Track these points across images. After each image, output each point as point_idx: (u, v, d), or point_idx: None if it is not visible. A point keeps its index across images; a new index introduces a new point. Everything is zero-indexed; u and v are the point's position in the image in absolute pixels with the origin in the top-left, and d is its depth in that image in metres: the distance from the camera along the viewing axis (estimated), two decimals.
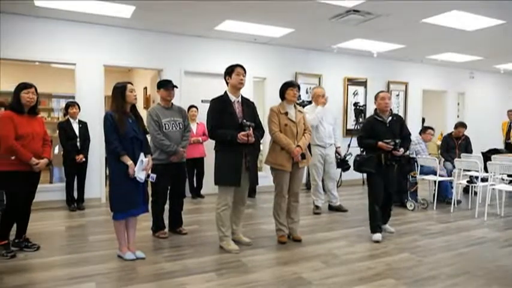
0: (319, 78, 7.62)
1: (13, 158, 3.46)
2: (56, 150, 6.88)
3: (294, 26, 6.02)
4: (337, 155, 5.54)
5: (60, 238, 4.22)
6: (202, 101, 6.29)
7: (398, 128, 4.14)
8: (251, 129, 3.58)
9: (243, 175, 3.64)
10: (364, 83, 8.20)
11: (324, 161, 5.30)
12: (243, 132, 3.52)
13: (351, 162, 5.88)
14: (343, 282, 3.04)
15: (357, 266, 3.38)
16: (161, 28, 6.13)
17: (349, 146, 7.19)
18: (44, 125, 3.85)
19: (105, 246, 3.84)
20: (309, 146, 4.60)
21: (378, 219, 4.11)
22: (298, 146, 3.88)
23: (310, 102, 6.88)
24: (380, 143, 3.97)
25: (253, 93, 6.80)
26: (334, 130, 5.45)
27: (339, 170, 5.63)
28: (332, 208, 5.50)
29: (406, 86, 8.76)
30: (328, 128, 5.28)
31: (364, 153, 4.18)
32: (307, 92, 7.34)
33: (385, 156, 4.01)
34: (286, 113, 3.95)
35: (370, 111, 8.11)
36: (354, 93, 8.09)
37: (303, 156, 3.93)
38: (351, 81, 8.04)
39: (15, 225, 3.69)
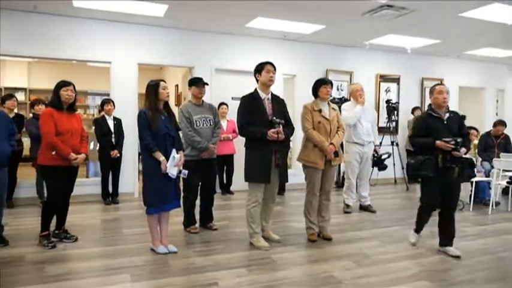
0: (351, 75, 7.50)
1: (54, 153, 3.61)
2: (92, 145, 7.13)
3: (325, 22, 5.95)
4: (374, 153, 5.44)
5: (96, 230, 4.38)
6: (232, 99, 6.34)
7: (456, 125, 3.60)
8: (281, 126, 3.57)
9: (273, 172, 3.65)
10: (397, 80, 8.00)
11: (360, 159, 5.20)
12: (272, 130, 3.52)
13: (387, 162, 5.82)
14: (375, 283, 2.98)
15: (389, 267, 3.31)
16: (192, 26, 6.21)
17: (380, 144, 7.03)
18: (81, 122, 4.00)
19: (139, 239, 3.94)
20: (341, 144, 4.53)
21: (423, 223, 3.80)
22: (331, 143, 3.84)
23: (340, 100, 6.82)
24: (438, 141, 3.45)
25: (283, 91, 6.77)
26: (373, 128, 5.33)
27: (368, 169, 5.49)
28: (362, 207, 5.41)
29: (441, 83, 8.44)
30: (366, 125, 5.16)
31: (415, 156, 3.65)
32: (338, 89, 7.24)
33: (443, 158, 3.47)
34: (320, 110, 3.91)
35: (402, 109, 7.95)
36: (386, 90, 7.91)
37: (336, 154, 3.89)
38: (383, 78, 7.87)
39: (55, 218, 3.85)
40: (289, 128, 3.76)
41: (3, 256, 3.43)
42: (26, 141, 6.44)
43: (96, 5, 5.21)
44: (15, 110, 5.56)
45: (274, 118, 3.59)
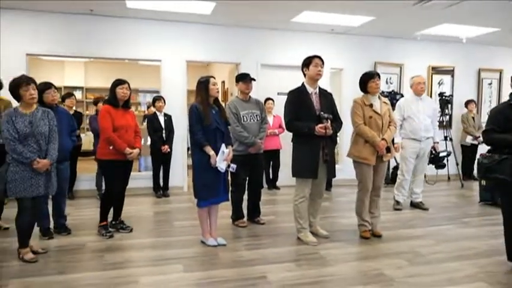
0: (401, 68, 7.23)
1: (111, 147, 3.82)
2: (143, 141, 7.44)
3: (375, 14, 5.77)
4: (432, 150, 5.20)
5: (149, 222, 4.58)
6: (278, 94, 6.34)
7: None
8: (329, 121, 3.53)
9: (321, 167, 3.61)
10: (451, 72, 7.60)
11: (416, 155, 4.98)
12: (320, 125, 3.48)
13: (445, 161, 5.53)
14: (429, 283, 2.87)
15: (444, 267, 3.18)
16: (239, 22, 6.27)
17: (447, 139, 6.77)
18: (135, 118, 4.19)
19: (189, 231, 4.07)
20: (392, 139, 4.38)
21: None
22: (383, 139, 3.73)
23: (390, 93, 6.60)
24: None
25: (330, 85, 6.67)
26: (434, 123, 5.06)
27: (424, 165, 5.24)
28: (413, 204, 5.22)
29: (500, 74, 7.94)
30: (425, 120, 4.90)
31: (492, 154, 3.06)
32: (387, 83, 7.02)
33: None
34: (371, 105, 3.80)
35: (457, 102, 7.55)
36: (439, 83, 7.54)
37: (388, 149, 3.78)
38: (436, 70, 7.50)
39: (112, 209, 4.07)
40: (337, 123, 3.70)
41: (66, 244, 3.68)
42: (84, 137, 6.86)
43: (147, 5, 5.40)
44: (74, 108, 5.91)
45: (322, 113, 3.54)
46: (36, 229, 3.49)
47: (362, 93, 3.91)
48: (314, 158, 3.55)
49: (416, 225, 4.41)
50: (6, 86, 4.02)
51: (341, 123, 3.79)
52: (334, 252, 3.49)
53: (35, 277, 2.92)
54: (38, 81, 3.48)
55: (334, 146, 3.89)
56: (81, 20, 5.81)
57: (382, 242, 3.78)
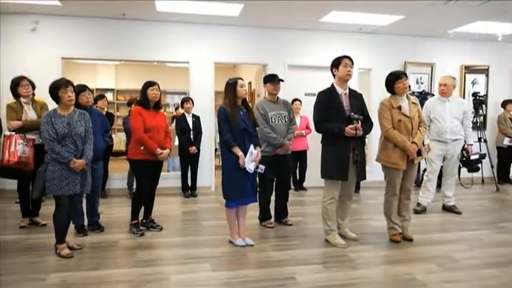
0: (432, 67, 7.04)
1: (142, 148, 3.91)
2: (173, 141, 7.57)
3: (405, 12, 5.66)
4: (464, 152, 5.02)
5: (178, 221, 4.66)
6: (305, 95, 6.31)
7: None
8: (359, 122, 3.48)
9: (350, 169, 3.57)
10: (485, 71, 7.34)
11: (443, 157, 4.84)
12: (350, 126, 3.44)
13: (479, 164, 5.31)
14: None
15: (479, 273, 3.07)
16: (266, 24, 6.29)
17: (481, 141, 6.55)
18: (165, 119, 4.27)
19: (217, 231, 4.11)
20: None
21: None
22: (413, 142, 3.63)
23: (421, 94, 6.45)
24: None
25: (358, 85, 6.57)
26: (466, 125, 4.85)
27: (453, 168, 5.06)
28: (445, 208, 5.06)
29: None
30: (451, 122, 4.72)
31: None
32: (417, 83, 6.86)
33: None
34: (400, 107, 3.68)
35: (492, 102, 7.28)
36: (472, 83, 7.30)
37: (419, 152, 3.67)
38: (469, 69, 7.27)
39: (142, 208, 4.16)
40: (367, 124, 3.65)
41: (100, 241, 3.80)
42: (115, 137, 7.04)
43: (176, 8, 5.51)
44: (105, 109, 6.08)
45: (352, 114, 3.50)
46: (71, 226, 3.62)
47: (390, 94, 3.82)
48: (344, 159, 3.51)
49: (448, 229, 4.28)
50: (39, 87, 4.24)
51: (371, 124, 3.73)
52: (363, 255, 3.44)
53: (71, 272, 3.03)
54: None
55: (363, 147, 3.83)
56: (114, 24, 5.99)
57: (413, 245, 3.70)
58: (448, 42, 7.07)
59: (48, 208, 4.11)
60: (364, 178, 3.77)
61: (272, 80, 4.30)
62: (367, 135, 4.92)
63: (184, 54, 6.26)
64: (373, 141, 6.10)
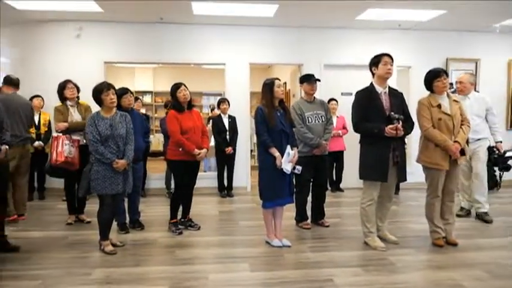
0: (476, 63, 6.72)
1: (180, 149, 3.99)
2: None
3: (447, 7, 5.43)
4: (495, 150, 4.76)
5: (215, 221, 4.72)
6: (342, 94, 6.21)
7: None
8: (400, 122, 3.38)
9: (390, 170, 3.47)
10: None
11: (470, 158, 4.50)
12: (391, 126, 3.34)
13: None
14: None
15: None
16: (301, 23, 6.24)
17: None
18: (201, 118, 4.32)
19: (254, 231, 4.12)
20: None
21: None
22: (456, 141, 3.47)
23: None
24: None
25: (397, 83, 6.39)
26: (492, 122, 4.57)
27: (480, 169, 4.66)
28: (476, 215, 4.60)
29: None
30: (472, 120, 4.26)
31: None
32: None
33: None
34: (439, 106, 3.53)
35: None
36: None
37: (462, 152, 3.50)
38: None
39: (181, 207, 4.25)
40: (408, 124, 3.53)
41: (140, 238, 3.92)
42: (152, 138, 7.24)
43: (212, 11, 5.58)
44: (141, 110, 6.24)
45: (392, 113, 3.40)
46: (114, 224, 3.75)
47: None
48: (384, 160, 3.42)
49: (496, 234, 4.07)
50: (83, 91, 4.43)
51: (413, 123, 3.61)
52: (404, 258, 3.33)
53: (114, 268, 3.14)
54: None
55: (404, 148, 3.71)
56: (152, 28, 6.16)
57: (458, 250, 3.53)
58: (493, 36, 6.71)
59: (92, 206, 4.29)
60: (405, 179, 3.65)
61: (309, 79, 4.26)
62: (407, 135, 4.77)
63: (220, 56, 6.33)
64: (413, 141, 5.91)
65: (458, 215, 4.55)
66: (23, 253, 3.45)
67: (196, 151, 3.98)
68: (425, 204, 3.70)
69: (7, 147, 3.32)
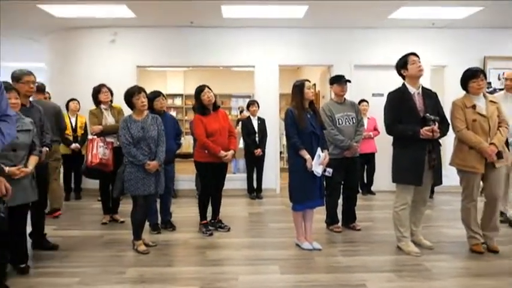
0: None
1: (206, 152, 4.02)
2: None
3: (484, 3, 5.22)
4: None
5: (245, 222, 4.73)
6: (373, 95, 6.09)
7: None
8: (436, 123, 3.26)
9: (425, 173, 3.36)
10: None
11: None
12: (426, 128, 3.24)
13: None
14: None
15: None
16: (331, 24, 6.17)
17: None
18: (228, 118, 4.31)
19: (283, 233, 4.10)
20: (507, 141, 3.85)
21: None
22: (492, 143, 3.31)
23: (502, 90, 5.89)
24: None
25: (431, 84, 6.20)
26: None
27: None
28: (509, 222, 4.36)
29: None
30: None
31: None
32: (499, 79, 6.28)
33: None
34: (474, 106, 3.39)
35: None
36: None
37: (499, 155, 3.31)
38: None
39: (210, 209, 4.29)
40: (444, 125, 3.41)
41: (172, 239, 3.99)
42: (182, 140, 7.33)
43: (242, 13, 5.62)
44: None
45: (428, 115, 3.29)
46: (146, 224, 3.83)
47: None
48: (419, 163, 3.31)
49: None
50: (116, 95, 4.56)
51: (448, 125, 3.48)
52: (441, 265, 3.22)
53: (147, 267, 3.21)
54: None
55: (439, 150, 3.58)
56: (182, 32, 6.27)
57: (499, 258, 3.36)
58: None
59: (125, 206, 4.41)
60: (440, 183, 3.53)
61: (339, 80, 4.21)
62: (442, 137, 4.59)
63: (249, 58, 6.36)
64: (446, 143, 5.70)
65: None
66: (62, 251, 3.59)
67: (222, 153, 4.00)
68: (461, 209, 3.55)
69: (47, 149, 3.46)
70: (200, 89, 4.08)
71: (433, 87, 6.17)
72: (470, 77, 3.43)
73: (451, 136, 3.64)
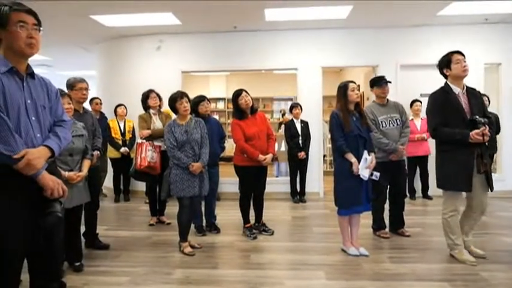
0: None
1: (245, 156, 4.04)
2: (277, 146, 7.69)
3: None
4: None
5: (289, 226, 4.69)
6: (421, 95, 5.85)
7: None
8: (486, 126, 3.07)
9: (475, 178, 3.16)
10: None
11: None
12: (476, 131, 3.05)
13: None
14: None
15: None
16: (376, 23, 6.02)
17: None
18: (266, 120, 4.29)
19: (328, 238, 4.03)
20: None
21: None
22: None
23: None
24: None
25: (484, 83, 5.88)
26: None
27: None
28: None
29: None
30: None
31: None
32: None
33: None
34: None
35: None
36: None
37: None
38: None
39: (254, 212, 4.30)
40: (492, 127, 3.19)
41: (217, 241, 4.04)
42: (226, 144, 7.41)
43: (285, 16, 5.61)
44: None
45: (477, 117, 3.09)
46: (191, 226, 3.90)
47: None
48: (468, 167, 3.13)
49: None
50: (164, 100, 4.70)
51: (496, 126, 3.26)
52: (499, 275, 3.02)
53: (193, 269, 3.28)
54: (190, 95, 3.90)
55: (492, 154, 3.36)
56: (225, 37, 6.37)
57: None
58: None
59: (171, 209, 4.54)
60: (492, 189, 3.29)
61: (379, 83, 4.08)
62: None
63: (292, 61, 6.33)
64: (503, 145, 5.35)
65: None
66: (112, 251, 3.75)
67: (261, 157, 3.98)
68: None
69: (98, 152, 3.64)
70: (237, 93, 4.11)
71: (488, 87, 5.89)
72: None
73: (509, 138, 3.42)
